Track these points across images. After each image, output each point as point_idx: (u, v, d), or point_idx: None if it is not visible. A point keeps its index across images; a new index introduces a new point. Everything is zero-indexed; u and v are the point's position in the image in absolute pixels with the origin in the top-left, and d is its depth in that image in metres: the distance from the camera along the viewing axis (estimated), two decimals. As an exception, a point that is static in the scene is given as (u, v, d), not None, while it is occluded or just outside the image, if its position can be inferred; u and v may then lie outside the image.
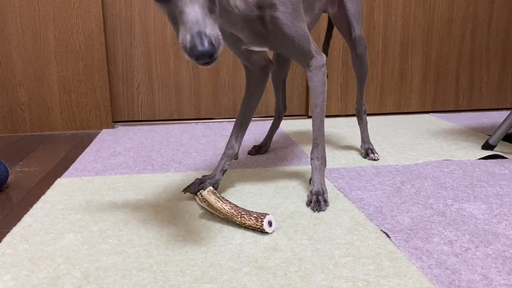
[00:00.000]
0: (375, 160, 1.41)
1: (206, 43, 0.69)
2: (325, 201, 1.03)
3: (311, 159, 1.10)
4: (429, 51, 2.11)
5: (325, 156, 1.11)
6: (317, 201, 1.02)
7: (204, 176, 1.13)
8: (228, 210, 0.95)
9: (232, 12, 0.94)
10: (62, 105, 1.88)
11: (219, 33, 0.74)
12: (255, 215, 0.91)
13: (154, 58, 1.97)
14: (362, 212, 1.00)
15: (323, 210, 1.01)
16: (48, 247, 0.86)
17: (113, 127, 1.93)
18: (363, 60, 1.38)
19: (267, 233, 0.90)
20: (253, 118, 1.75)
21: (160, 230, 0.93)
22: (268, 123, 1.81)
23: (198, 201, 1.04)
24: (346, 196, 1.10)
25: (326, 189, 1.07)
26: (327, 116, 2.09)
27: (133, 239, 0.89)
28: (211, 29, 0.72)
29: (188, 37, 0.70)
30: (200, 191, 1.03)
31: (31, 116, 1.87)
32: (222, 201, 0.97)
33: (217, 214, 0.97)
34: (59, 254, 0.83)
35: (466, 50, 2.14)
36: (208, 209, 1.00)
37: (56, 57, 1.84)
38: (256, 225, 0.91)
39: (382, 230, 0.91)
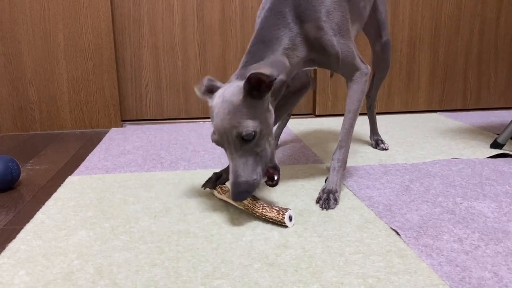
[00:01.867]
0: (385, 149, 1.48)
1: (240, 190, 0.90)
2: (335, 199, 1.03)
3: (332, 159, 1.11)
4: (436, 49, 2.11)
5: (346, 159, 1.12)
6: (327, 199, 1.02)
7: (221, 170, 1.14)
8: (250, 201, 0.97)
9: (294, 68, 1.02)
10: (71, 104, 1.90)
11: (255, 177, 0.91)
12: (277, 208, 0.93)
13: (162, 57, 1.98)
14: (372, 210, 1.00)
15: (332, 208, 1.01)
16: (61, 243, 0.87)
17: (122, 126, 1.95)
18: (387, 63, 1.46)
19: (277, 230, 0.91)
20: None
21: (171, 227, 0.94)
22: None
23: (217, 194, 1.05)
24: (355, 195, 1.10)
25: (339, 189, 1.08)
26: (336, 115, 2.09)
27: (145, 236, 0.90)
28: (248, 176, 0.91)
29: (230, 182, 0.91)
30: (220, 185, 1.06)
31: (41, 115, 1.89)
32: (224, 193, 0.99)
33: (237, 205, 0.99)
34: (72, 250, 0.84)
35: (474, 48, 2.13)
36: (228, 200, 1.02)
37: (65, 56, 1.85)
38: (278, 217, 0.92)
39: (391, 228, 0.91)
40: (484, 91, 2.18)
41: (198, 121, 2.03)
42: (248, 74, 0.87)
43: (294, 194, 1.12)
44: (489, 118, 1.99)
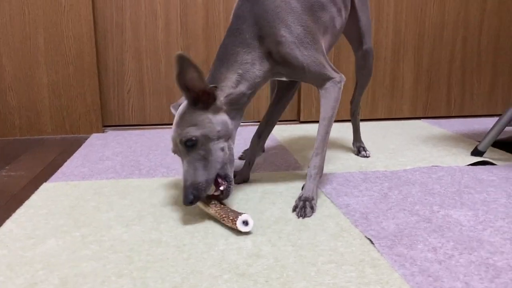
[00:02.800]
0: (367, 157, 1.47)
1: (187, 193, 0.95)
2: (312, 207, 1.02)
3: (308, 167, 1.10)
4: (420, 57, 2.12)
5: (322, 166, 1.11)
6: (303, 207, 1.01)
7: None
8: (213, 213, 0.97)
9: (256, 81, 1.06)
10: (52, 109, 1.87)
11: (200, 180, 0.96)
12: (231, 217, 0.92)
13: (145, 62, 1.97)
14: (348, 218, 0.99)
15: (308, 216, 1.00)
16: (28, 252, 0.85)
17: (103, 132, 1.92)
18: (370, 71, 1.47)
19: (250, 239, 0.89)
20: (242, 123, 1.75)
21: (143, 235, 0.92)
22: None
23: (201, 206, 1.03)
24: (332, 202, 1.09)
25: (316, 197, 1.06)
26: (317, 122, 2.08)
27: (115, 245, 0.88)
28: (193, 179, 0.96)
29: (182, 188, 0.97)
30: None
31: (20, 120, 1.86)
32: (209, 205, 0.98)
33: (207, 212, 1.00)
34: (39, 260, 0.82)
35: (458, 56, 2.14)
36: (205, 210, 1.01)
37: (46, 61, 1.83)
38: (233, 227, 0.91)
39: (366, 237, 0.90)
40: (467, 99, 2.19)
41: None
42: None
43: (272, 201, 1.10)
44: (472, 125, 2.00)
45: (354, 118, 1.55)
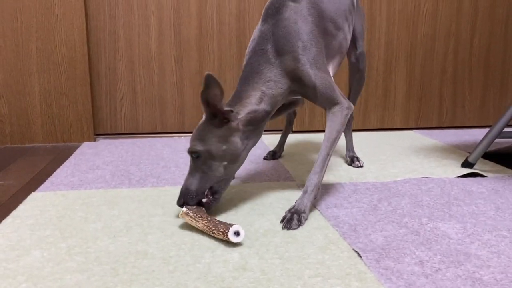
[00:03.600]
0: (360, 167, 1.49)
1: (180, 195, 1.04)
2: (299, 220, 1.01)
3: (307, 181, 1.09)
4: (412, 68, 2.13)
5: (319, 185, 1.10)
6: (290, 219, 1.01)
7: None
8: (201, 227, 0.96)
9: (277, 99, 1.12)
10: (43, 117, 1.86)
11: (192, 189, 1.03)
12: (222, 229, 0.91)
13: (138, 71, 1.97)
14: (336, 230, 0.99)
15: (293, 229, 0.99)
16: (12, 264, 0.84)
17: (94, 140, 1.91)
18: (363, 75, 1.50)
19: (237, 252, 0.89)
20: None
21: (130, 247, 0.91)
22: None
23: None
24: (321, 214, 1.09)
25: (307, 212, 1.05)
26: (313, 131, 2.09)
27: (101, 256, 0.87)
28: (188, 185, 1.04)
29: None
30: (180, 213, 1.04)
31: (11, 128, 1.85)
32: (196, 220, 0.97)
33: (196, 227, 0.99)
34: (22, 272, 0.81)
35: (449, 67, 2.16)
36: (191, 224, 1.00)
37: (38, 69, 1.82)
38: (224, 239, 0.91)
39: (354, 250, 0.90)
40: (459, 110, 2.20)
41: (173, 136, 2.01)
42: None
43: (261, 213, 1.10)
44: (463, 136, 2.01)
45: (347, 128, 1.56)
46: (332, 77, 1.18)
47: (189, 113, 2.02)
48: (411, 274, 0.80)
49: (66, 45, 1.82)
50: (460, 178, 1.37)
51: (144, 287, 0.76)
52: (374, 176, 1.39)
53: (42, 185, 1.31)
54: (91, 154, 1.67)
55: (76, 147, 1.80)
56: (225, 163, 1.05)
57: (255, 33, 1.15)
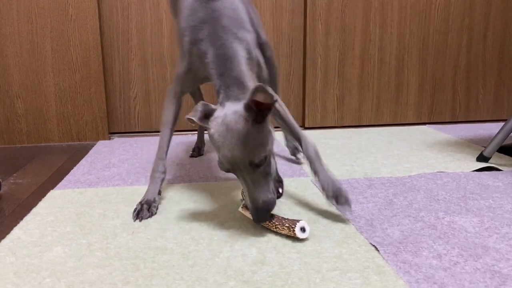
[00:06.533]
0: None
1: (261, 212, 0.92)
2: (348, 197, 1.03)
3: (306, 151, 1.08)
4: (425, 63, 2.12)
5: (316, 147, 1.10)
6: (346, 198, 1.01)
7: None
8: (263, 223, 0.96)
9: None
10: (58, 117, 1.89)
11: (270, 196, 0.93)
12: (287, 225, 0.92)
13: (151, 70, 1.98)
14: (353, 225, 0.99)
15: (348, 205, 1.01)
16: (35, 260, 0.86)
17: (109, 139, 1.94)
18: (272, 63, 1.34)
19: (255, 246, 0.90)
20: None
21: (149, 243, 0.92)
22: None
23: (242, 211, 1.03)
24: (337, 209, 1.09)
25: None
26: (325, 127, 2.09)
27: (121, 252, 0.88)
28: (265, 196, 0.92)
29: (251, 208, 0.93)
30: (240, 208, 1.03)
31: (28, 128, 1.88)
32: None
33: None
34: (45, 267, 0.83)
35: (462, 61, 2.14)
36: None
37: (53, 69, 1.85)
38: (289, 234, 0.91)
39: (371, 243, 0.90)
40: (472, 104, 2.19)
41: (186, 134, 2.02)
42: (247, 99, 0.89)
43: (278, 208, 1.10)
44: (477, 130, 1.99)
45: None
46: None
47: (201, 110, 2.03)
48: (430, 268, 0.80)
49: (80, 45, 1.85)
50: (475, 172, 1.36)
51: (165, 282, 0.77)
52: (389, 171, 1.39)
53: (60, 183, 1.33)
54: (107, 153, 1.69)
55: (92, 146, 1.83)
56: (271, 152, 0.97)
57: (199, 11, 1.06)
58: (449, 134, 1.91)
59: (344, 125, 2.10)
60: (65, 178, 1.38)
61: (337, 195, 1.02)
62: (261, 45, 1.35)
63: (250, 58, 1.04)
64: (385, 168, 1.42)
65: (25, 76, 1.84)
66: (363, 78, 2.08)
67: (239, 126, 0.89)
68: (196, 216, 1.06)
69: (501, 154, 1.54)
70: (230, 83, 0.98)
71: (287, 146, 1.53)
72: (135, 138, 1.94)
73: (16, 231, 0.99)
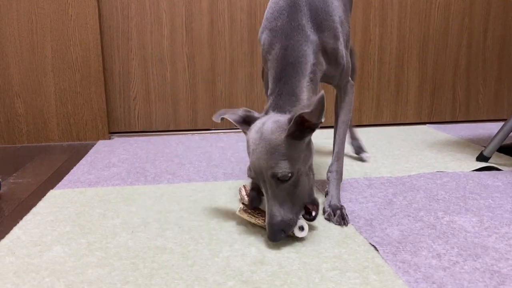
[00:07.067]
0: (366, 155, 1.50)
1: (275, 230, 0.87)
2: (347, 215, 1.01)
3: (329, 171, 1.09)
4: (425, 62, 2.12)
5: (342, 170, 1.10)
6: (341, 215, 1.00)
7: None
8: (262, 223, 0.95)
9: (318, 84, 0.98)
10: (58, 116, 1.89)
11: (291, 217, 0.87)
12: None
13: (151, 69, 1.98)
14: (352, 224, 1.00)
15: (349, 223, 0.99)
16: (35, 259, 0.86)
17: (109, 138, 1.94)
18: (354, 66, 1.38)
19: (254, 246, 0.90)
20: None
21: (148, 242, 0.93)
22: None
23: (244, 215, 1.00)
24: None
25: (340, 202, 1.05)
26: (324, 127, 2.09)
27: (120, 252, 0.88)
28: (283, 215, 0.87)
29: (266, 222, 0.88)
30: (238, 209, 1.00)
31: (28, 127, 1.88)
32: (255, 216, 0.97)
33: (255, 223, 0.98)
34: (45, 267, 0.83)
35: (462, 61, 2.14)
36: (252, 221, 0.99)
37: (53, 68, 1.85)
38: (289, 234, 0.90)
39: (370, 243, 0.90)
40: (472, 104, 2.19)
41: (186, 133, 2.02)
42: (293, 114, 0.83)
43: (276, 208, 1.10)
44: (477, 130, 1.99)
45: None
46: None
47: (201, 110, 2.04)
48: (429, 267, 0.80)
49: (80, 45, 1.85)
50: (475, 172, 1.36)
51: (164, 281, 0.77)
52: (388, 171, 1.39)
53: (60, 183, 1.33)
54: (107, 152, 1.69)
55: (92, 146, 1.83)
56: (308, 171, 0.91)
57: (280, 4, 0.96)
58: (449, 134, 1.91)
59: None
60: (65, 178, 1.38)
61: (334, 214, 1.01)
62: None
63: (317, 63, 0.95)
64: (385, 168, 1.42)
65: (25, 75, 1.84)
66: (363, 78, 2.08)
67: (272, 136, 0.86)
68: (196, 216, 1.06)
69: (501, 154, 1.54)
70: (285, 92, 0.92)
71: (352, 144, 1.54)
72: (135, 138, 1.94)
73: (16, 231, 0.99)
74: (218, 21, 1.98)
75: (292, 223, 0.88)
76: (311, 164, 0.94)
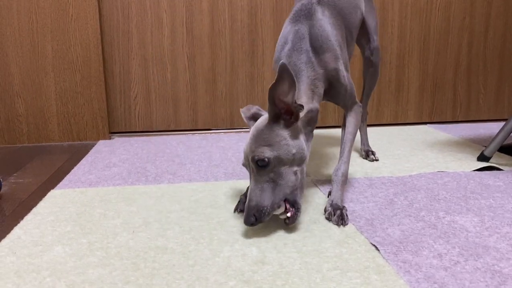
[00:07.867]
0: (376, 160, 1.50)
1: (249, 214, 0.91)
2: (346, 215, 1.01)
3: (335, 174, 1.11)
4: (426, 62, 2.12)
5: (347, 174, 1.13)
6: (341, 215, 1.00)
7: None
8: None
9: (321, 98, 1.11)
10: (59, 116, 1.89)
11: (265, 204, 0.91)
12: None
13: (151, 69, 1.98)
14: (353, 224, 0.99)
15: (347, 224, 0.99)
16: (36, 259, 0.86)
17: (110, 138, 1.94)
18: (377, 69, 1.52)
19: (255, 246, 0.90)
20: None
21: (149, 242, 0.92)
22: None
23: None
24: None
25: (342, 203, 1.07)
26: (323, 127, 2.09)
27: (121, 252, 0.88)
28: (258, 201, 0.92)
29: (245, 205, 0.93)
30: None
31: (28, 127, 1.88)
32: None
33: None
34: (46, 267, 0.83)
35: (463, 61, 2.14)
36: None
37: (53, 68, 1.85)
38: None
39: (371, 243, 0.90)
40: (473, 103, 2.19)
41: (187, 133, 2.02)
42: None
43: (277, 208, 1.10)
44: (478, 130, 1.99)
45: (362, 123, 1.59)
46: None
47: (202, 110, 2.04)
48: (430, 267, 0.80)
49: (81, 45, 1.85)
50: (476, 171, 1.36)
51: (166, 281, 0.77)
52: (389, 171, 1.39)
53: (60, 183, 1.33)
54: (107, 152, 1.69)
55: (92, 146, 1.83)
56: (295, 168, 0.95)
57: (287, 33, 1.12)
58: (450, 134, 1.91)
59: (344, 124, 2.10)
60: (65, 178, 1.38)
61: (334, 213, 1.01)
62: (372, 50, 1.48)
63: (317, 79, 1.08)
64: (386, 168, 1.42)
65: (25, 75, 1.84)
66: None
67: (260, 125, 0.97)
68: (197, 216, 1.06)
69: (502, 154, 1.54)
70: None
71: (361, 149, 1.58)
72: (136, 138, 1.94)
73: (17, 231, 0.99)
74: (218, 21, 1.98)
75: (265, 212, 0.92)
76: (303, 168, 0.98)
